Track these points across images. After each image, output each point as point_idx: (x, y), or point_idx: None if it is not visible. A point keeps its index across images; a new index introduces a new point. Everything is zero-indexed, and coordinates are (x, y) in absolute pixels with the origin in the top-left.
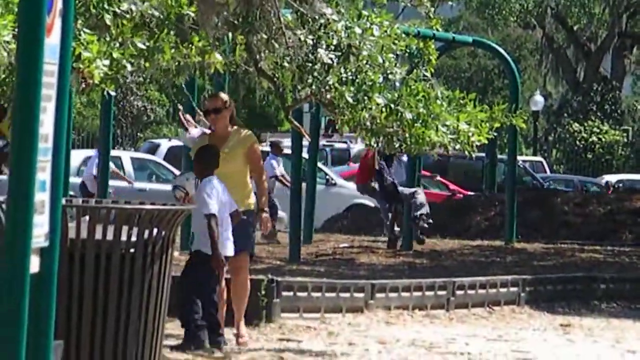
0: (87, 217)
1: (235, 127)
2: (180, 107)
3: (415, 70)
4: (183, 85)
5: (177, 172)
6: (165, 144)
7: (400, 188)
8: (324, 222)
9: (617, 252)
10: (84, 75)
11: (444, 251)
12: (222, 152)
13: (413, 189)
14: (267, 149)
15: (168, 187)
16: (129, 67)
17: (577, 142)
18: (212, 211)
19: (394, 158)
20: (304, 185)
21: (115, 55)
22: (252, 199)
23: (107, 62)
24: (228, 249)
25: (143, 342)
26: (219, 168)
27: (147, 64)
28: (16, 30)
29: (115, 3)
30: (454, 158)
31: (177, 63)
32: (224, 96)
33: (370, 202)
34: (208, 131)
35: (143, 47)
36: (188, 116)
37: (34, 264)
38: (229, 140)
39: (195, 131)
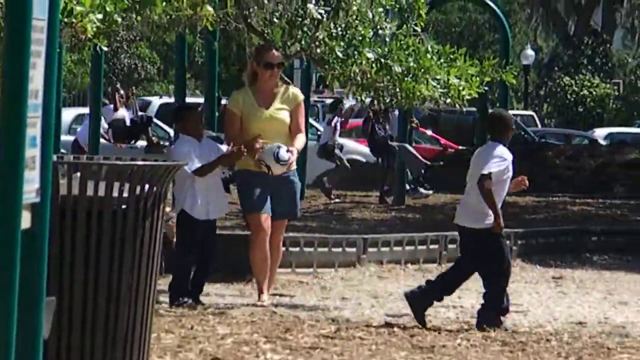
0: (78, 174)
1: (283, 85)
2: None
3: (405, 25)
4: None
5: (168, 129)
6: (156, 102)
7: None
8: (315, 178)
9: (608, 205)
10: (77, 31)
11: (436, 205)
12: (268, 110)
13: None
14: None
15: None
16: (120, 21)
17: (568, 96)
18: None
19: (389, 113)
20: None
21: (108, 8)
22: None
23: (100, 15)
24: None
25: (136, 298)
26: (264, 127)
27: (138, 18)
28: None
29: None
30: (445, 113)
31: (168, 17)
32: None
33: (362, 157)
34: None
35: None
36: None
37: (26, 220)
38: (276, 98)
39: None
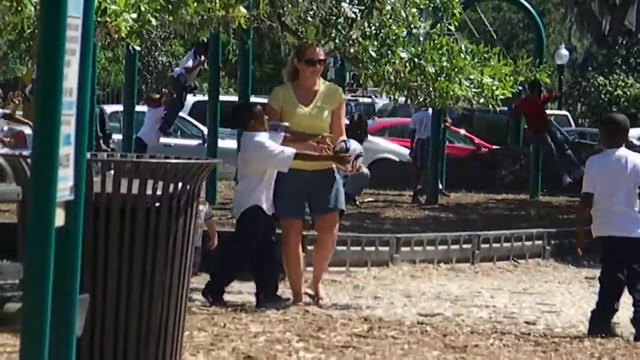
0: (112, 172)
1: (324, 82)
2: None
3: (439, 24)
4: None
5: (202, 127)
6: (190, 99)
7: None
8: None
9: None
10: (110, 30)
11: (469, 205)
12: (309, 107)
13: None
14: None
15: (193, 142)
16: (154, 21)
17: (602, 96)
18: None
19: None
20: None
21: (142, 8)
22: None
23: (134, 15)
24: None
25: (169, 296)
26: (304, 124)
27: (171, 18)
28: None
29: None
30: (478, 112)
31: (200, 17)
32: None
33: (394, 156)
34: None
35: None
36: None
37: (60, 217)
38: (317, 95)
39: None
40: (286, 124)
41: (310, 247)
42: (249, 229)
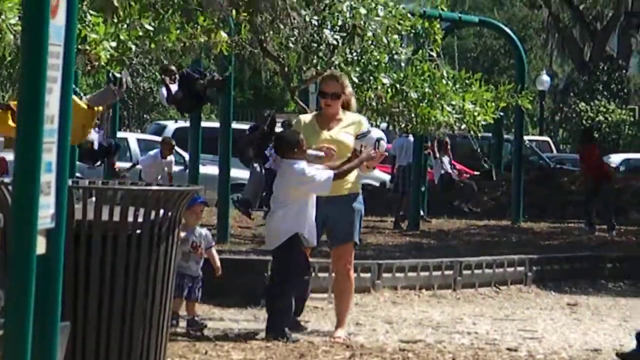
0: (93, 199)
1: (348, 112)
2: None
3: (420, 50)
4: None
5: (184, 154)
6: (171, 126)
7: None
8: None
9: (623, 232)
10: (90, 57)
11: (450, 231)
12: (329, 132)
13: None
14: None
15: (175, 168)
16: (134, 49)
17: (584, 122)
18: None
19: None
20: None
21: (122, 37)
22: (357, 183)
23: (113, 43)
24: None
25: (150, 324)
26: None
27: (152, 45)
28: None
29: None
30: (460, 138)
31: (182, 44)
32: (345, 80)
33: (375, 182)
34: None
35: (150, 28)
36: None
37: (41, 245)
38: (340, 123)
39: (91, 135)
40: (322, 153)
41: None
42: (294, 257)
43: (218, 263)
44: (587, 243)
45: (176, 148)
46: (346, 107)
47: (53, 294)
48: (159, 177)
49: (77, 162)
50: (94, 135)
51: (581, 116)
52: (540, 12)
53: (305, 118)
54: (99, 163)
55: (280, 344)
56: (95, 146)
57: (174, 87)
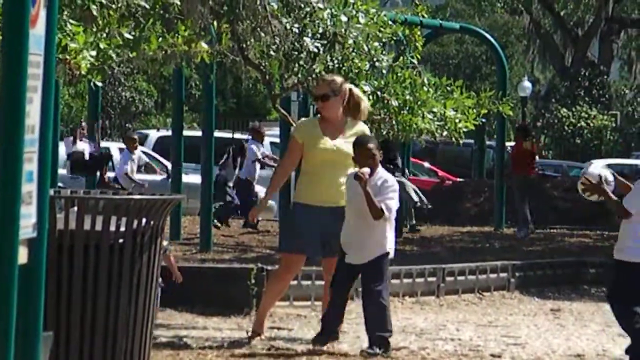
0: (75, 208)
1: (349, 118)
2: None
3: (402, 58)
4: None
5: (166, 163)
6: (153, 135)
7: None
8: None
9: (606, 237)
10: (71, 67)
11: (433, 238)
12: (334, 141)
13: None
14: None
15: (157, 177)
16: (115, 58)
17: (566, 128)
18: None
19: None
20: (293, 174)
21: (102, 45)
22: None
23: (93, 52)
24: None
25: (133, 333)
26: (328, 158)
27: (133, 54)
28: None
29: None
30: (442, 145)
31: (163, 52)
32: (337, 80)
33: None
34: None
35: (130, 37)
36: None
37: (22, 255)
38: (344, 130)
39: (80, 145)
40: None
41: (291, 282)
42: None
43: (175, 269)
44: (570, 249)
45: (158, 157)
46: (356, 111)
47: (35, 304)
48: (142, 168)
49: (70, 175)
50: (84, 145)
51: (563, 122)
52: (521, 18)
53: (308, 124)
54: (89, 174)
55: (263, 352)
56: (87, 156)
57: (81, 144)
